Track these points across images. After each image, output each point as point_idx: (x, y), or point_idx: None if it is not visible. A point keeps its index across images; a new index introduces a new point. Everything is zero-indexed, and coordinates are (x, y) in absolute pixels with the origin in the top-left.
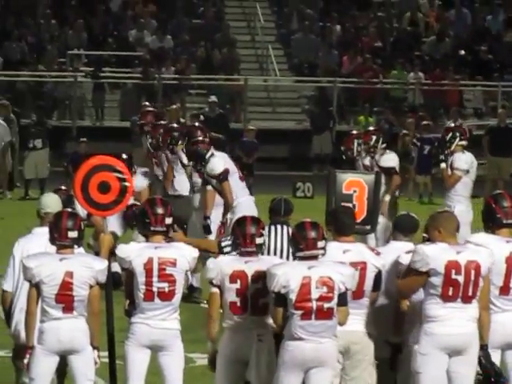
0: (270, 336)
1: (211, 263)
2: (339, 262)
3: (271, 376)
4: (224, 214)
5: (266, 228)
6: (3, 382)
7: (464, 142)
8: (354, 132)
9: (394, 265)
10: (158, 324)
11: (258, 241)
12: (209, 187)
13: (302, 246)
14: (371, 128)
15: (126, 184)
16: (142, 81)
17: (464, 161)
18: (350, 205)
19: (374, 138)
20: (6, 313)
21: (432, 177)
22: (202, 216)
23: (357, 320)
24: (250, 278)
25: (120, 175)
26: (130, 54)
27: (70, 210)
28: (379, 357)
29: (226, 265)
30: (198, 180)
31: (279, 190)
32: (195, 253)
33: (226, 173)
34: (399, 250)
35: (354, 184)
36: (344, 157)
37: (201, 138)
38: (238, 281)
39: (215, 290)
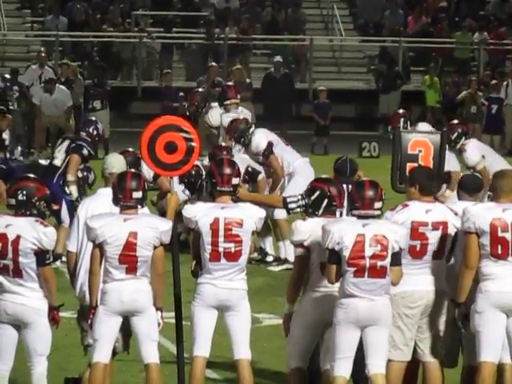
0: None
1: (301, 225)
2: (394, 222)
3: None
4: (274, 189)
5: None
6: (68, 344)
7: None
8: (401, 111)
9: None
10: (225, 284)
11: (377, 205)
12: (260, 177)
13: (358, 204)
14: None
15: (193, 144)
16: (206, 41)
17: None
18: (416, 165)
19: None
20: (70, 274)
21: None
22: None
23: (437, 279)
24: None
25: (186, 135)
26: (195, 14)
27: (133, 170)
28: (448, 316)
29: (319, 227)
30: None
31: (346, 150)
32: (262, 213)
33: (270, 146)
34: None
35: (419, 144)
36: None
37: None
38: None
39: (304, 252)
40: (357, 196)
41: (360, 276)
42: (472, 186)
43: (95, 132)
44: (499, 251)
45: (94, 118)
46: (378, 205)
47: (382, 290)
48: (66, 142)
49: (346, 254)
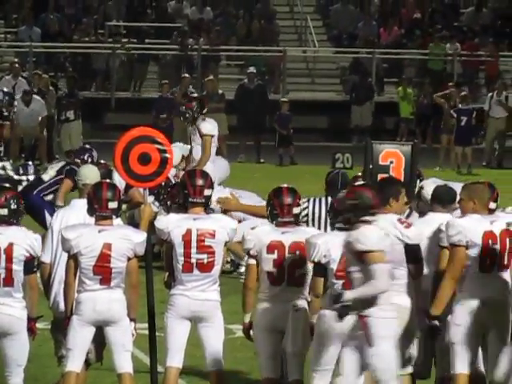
0: (306, 306)
1: (249, 234)
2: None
3: (306, 346)
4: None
5: (323, 199)
6: (42, 354)
7: None
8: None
9: (434, 235)
10: (198, 295)
11: (295, 211)
12: None
13: (339, 218)
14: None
15: (167, 155)
16: (180, 52)
17: None
18: (387, 176)
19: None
20: (44, 284)
21: (472, 148)
22: None
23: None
24: (287, 248)
25: (160, 146)
26: (169, 25)
27: (108, 180)
28: (421, 327)
29: (263, 235)
30: None
31: (319, 161)
32: (234, 224)
33: None
34: (438, 222)
35: (390, 155)
36: None
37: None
38: (276, 251)
39: (252, 261)
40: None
41: (348, 288)
42: (446, 197)
43: (89, 160)
44: (487, 263)
45: (88, 146)
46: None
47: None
48: (62, 163)
49: (334, 266)
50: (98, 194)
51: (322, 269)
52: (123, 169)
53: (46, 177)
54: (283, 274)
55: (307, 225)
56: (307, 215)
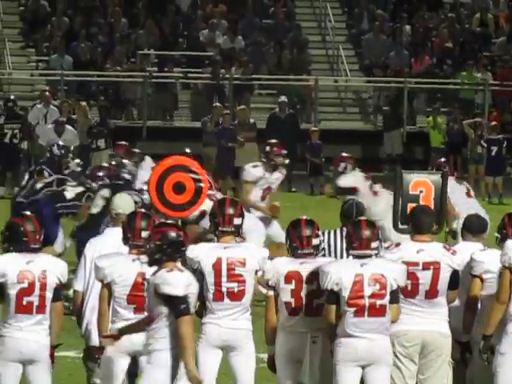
0: (325, 337)
1: (268, 265)
2: (390, 260)
3: (325, 378)
4: None
5: (338, 231)
6: (74, 383)
7: None
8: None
9: (466, 264)
10: (229, 324)
11: (315, 242)
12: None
13: (355, 244)
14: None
15: (201, 185)
16: (212, 81)
17: None
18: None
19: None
20: (77, 313)
21: (503, 178)
22: None
23: (431, 319)
24: (304, 278)
25: (195, 176)
26: (200, 54)
27: (143, 210)
28: (454, 357)
29: (281, 266)
30: None
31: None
32: (265, 253)
33: None
34: (468, 251)
35: (420, 184)
36: None
37: None
38: (293, 281)
39: (272, 292)
40: (354, 236)
41: (360, 316)
42: (476, 227)
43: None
44: None
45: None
46: (374, 244)
47: (382, 329)
48: (80, 189)
49: (346, 294)
50: (131, 224)
51: (334, 296)
52: (158, 198)
53: (68, 195)
54: (301, 304)
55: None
56: (324, 248)
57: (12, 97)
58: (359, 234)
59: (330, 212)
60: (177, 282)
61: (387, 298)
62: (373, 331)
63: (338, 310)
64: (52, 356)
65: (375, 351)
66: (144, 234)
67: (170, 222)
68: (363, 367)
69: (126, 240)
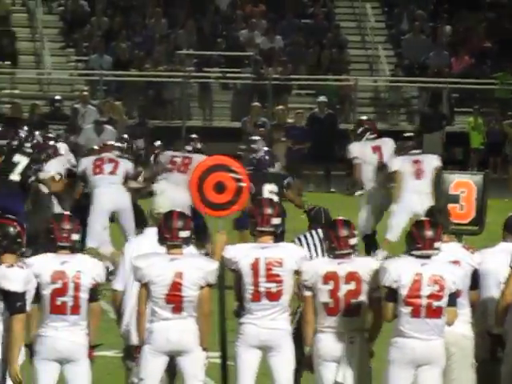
0: (362, 337)
1: (305, 265)
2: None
3: (362, 378)
4: None
5: (308, 235)
6: (113, 382)
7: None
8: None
9: (504, 263)
10: (267, 324)
11: (352, 242)
12: None
13: (420, 244)
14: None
15: (242, 184)
16: (253, 81)
17: None
18: (457, 205)
19: None
20: (116, 312)
21: None
22: None
23: (458, 322)
24: (342, 278)
25: (235, 175)
26: (240, 54)
27: (179, 210)
28: (479, 358)
29: (319, 266)
30: None
31: None
32: (303, 253)
33: None
34: (509, 251)
35: (461, 185)
36: None
37: None
38: (331, 282)
39: (308, 292)
40: (418, 236)
41: (416, 316)
42: None
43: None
44: None
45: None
46: (437, 245)
47: (437, 330)
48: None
49: (404, 292)
50: (168, 224)
51: (392, 293)
52: (199, 197)
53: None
54: (338, 304)
55: None
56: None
57: (58, 97)
58: (423, 234)
59: None
60: (15, 277)
61: (444, 300)
62: (428, 332)
63: (394, 309)
64: (91, 356)
65: (432, 352)
66: (182, 233)
67: (8, 216)
68: (416, 367)
69: (162, 240)
